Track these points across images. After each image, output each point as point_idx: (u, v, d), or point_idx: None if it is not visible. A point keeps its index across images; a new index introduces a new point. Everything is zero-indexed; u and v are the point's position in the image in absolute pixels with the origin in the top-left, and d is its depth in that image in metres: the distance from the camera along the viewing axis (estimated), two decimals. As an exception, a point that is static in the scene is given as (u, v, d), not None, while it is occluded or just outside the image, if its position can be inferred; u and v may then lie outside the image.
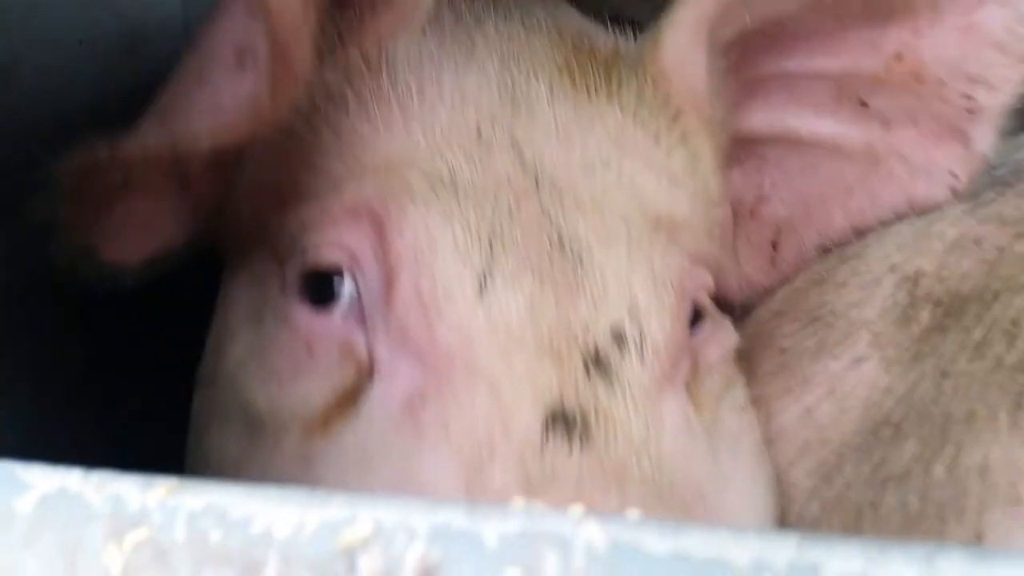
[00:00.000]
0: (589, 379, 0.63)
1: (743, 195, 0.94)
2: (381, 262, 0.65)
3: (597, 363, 0.63)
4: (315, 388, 0.63)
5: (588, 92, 0.77)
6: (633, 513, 0.36)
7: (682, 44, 0.78)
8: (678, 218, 0.77)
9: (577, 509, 0.33)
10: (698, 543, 0.30)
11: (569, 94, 0.76)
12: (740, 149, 0.92)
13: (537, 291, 0.65)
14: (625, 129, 0.76)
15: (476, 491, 0.56)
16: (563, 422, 0.60)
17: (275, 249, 0.70)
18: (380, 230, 0.65)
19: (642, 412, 0.64)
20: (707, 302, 0.77)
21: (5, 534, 0.35)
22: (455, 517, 0.32)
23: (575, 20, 0.88)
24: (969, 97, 0.83)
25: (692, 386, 0.71)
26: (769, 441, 0.79)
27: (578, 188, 0.72)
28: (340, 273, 0.66)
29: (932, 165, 0.87)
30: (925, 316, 0.80)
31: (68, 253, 0.63)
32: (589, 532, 0.31)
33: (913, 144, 0.87)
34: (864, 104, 0.87)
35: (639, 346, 0.66)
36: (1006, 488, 0.60)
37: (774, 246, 0.94)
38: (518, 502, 0.34)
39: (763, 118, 0.90)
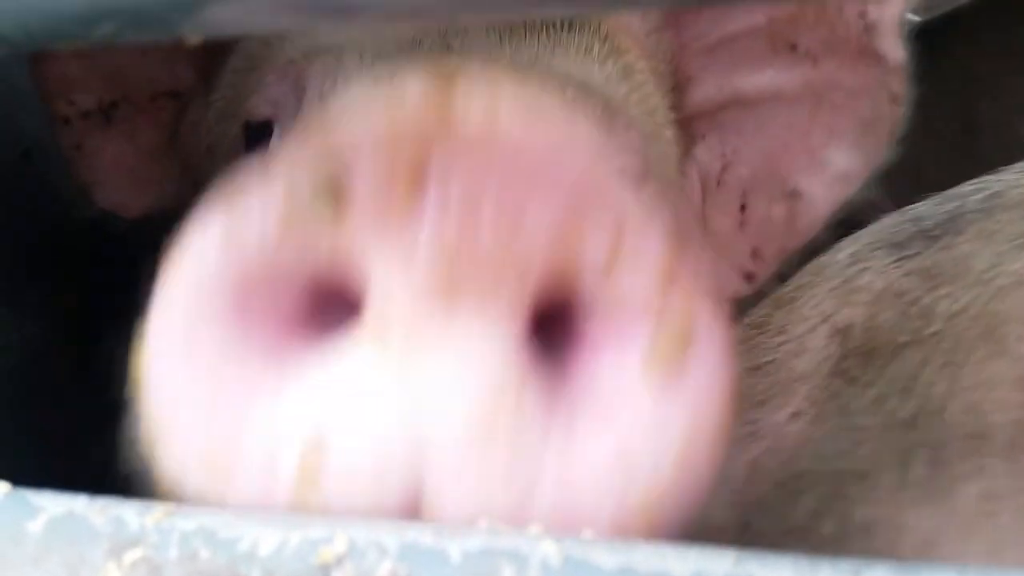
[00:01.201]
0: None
1: (709, 167, 1.00)
2: (299, 96, 0.72)
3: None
4: None
5: (527, 25, 0.85)
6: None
7: None
8: (608, 95, 0.81)
9: (535, 529, 0.35)
10: (644, 558, 0.33)
11: (504, 27, 0.84)
12: (700, 123, 0.98)
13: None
14: (559, 45, 0.83)
15: None
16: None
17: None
18: (300, 80, 0.73)
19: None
20: (644, 178, 0.79)
21: (16, 552, 0.39)
22: (422, 536, 0.35)
23: None
24: (863, 15, 0.88)
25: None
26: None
27: (499, 60, 0.77)
28: (270, 126, 0.74)
29: (864, 85, 0.91)
30: (852, 368, 0.82)
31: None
32: (544, 549, 0.34)
33: (840, 71, 0.92)
34: (793, 47, 0.92)
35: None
36: (886, 547, 0.61)
37: (742, 209, 0.99)
38: (481, 523, 0.37)
39: (713, 85, 0.96)
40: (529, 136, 0.39)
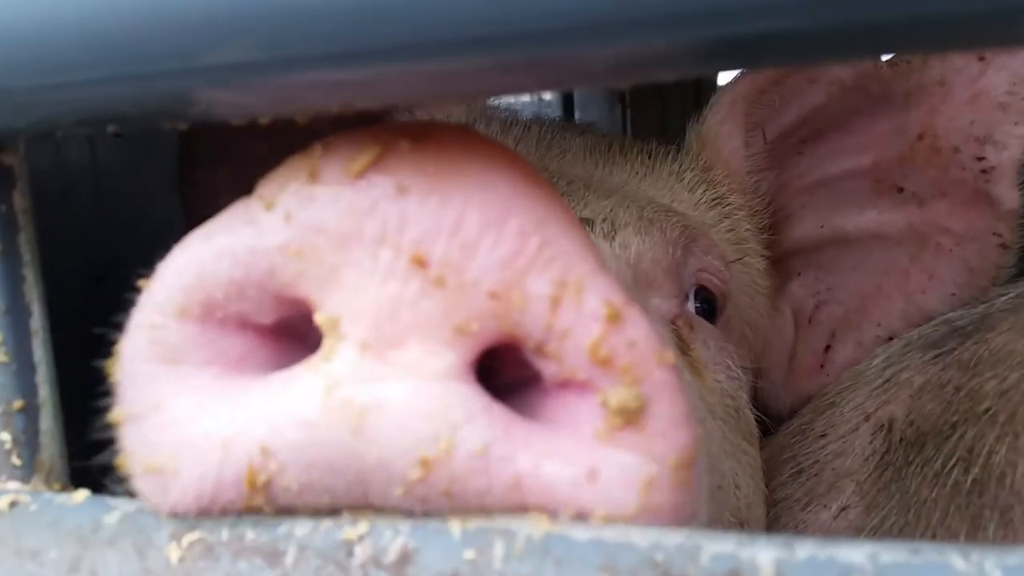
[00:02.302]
0: None
1: (803, 304, 1.00)
2: None
3: None
4: None
5: (624, 153, 0.90)
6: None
7: (720, 117, 0.91)
8: (691, 217, 0.83)
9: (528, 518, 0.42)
10: (612, 533, 0.39)
11: (605, 151, 0.89)
12: (797, 260, 0.99)
13: None
14: (651, 170, 0.88)
15: None
16: None
17: None
18: None
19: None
20: (720, 298, 0.82)
21: (95, 537, 0.46)
22: (430, 521, 0.42)
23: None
24: (981, 159, 0.88)
25: (687, 348, 0.73)
26: None
27: (590, 183, 0.82)
28: None
29: (973, 230, 0.91)
30: (899, 458, 0.85)
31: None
32: (530, 527, 0.40)
33: (949, 215, 0.91)
34: (900, 189, 0.92)
35: (606, 233, 0.72)
36: None
37: (827, 349, 0.98)
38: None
39: (813, 223, 0.98)
40: (483, 188, 0.40)
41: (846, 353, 0.98)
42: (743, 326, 0.92)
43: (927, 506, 0.77)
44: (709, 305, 0.82)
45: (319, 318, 0.42)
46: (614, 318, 0.40)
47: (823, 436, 0.92)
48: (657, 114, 1.95)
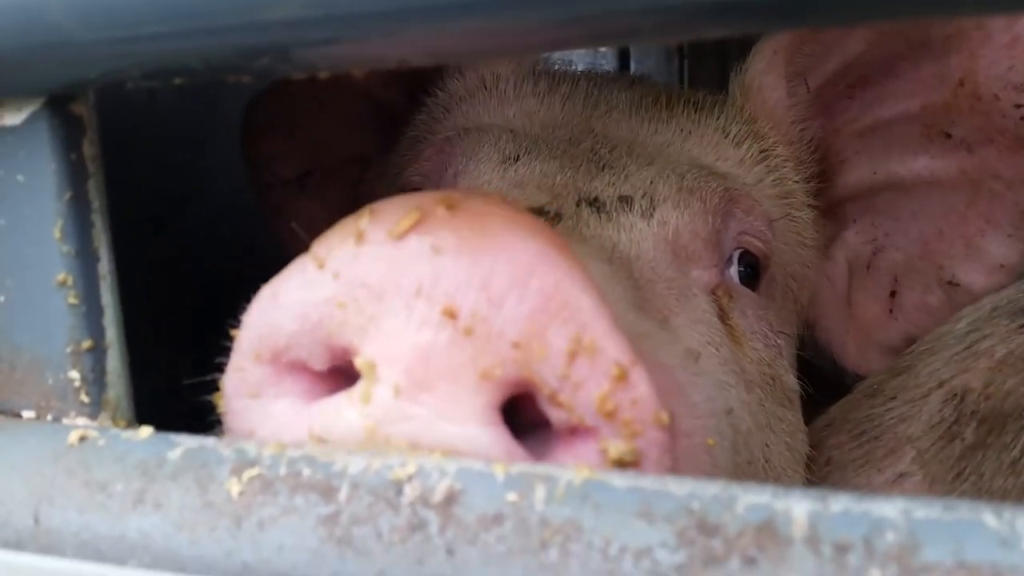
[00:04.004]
0: (577, 208, 0.72)
1: (859, 250, 1.00)
2: (442, 171, 0.81)
3: (593, 204, 0.73)
4: None
5: (671, 108, 0.90)
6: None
7: (761, 68, 0.92)
8: (734, 178, 0.84)
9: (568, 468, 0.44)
10: (650, 481, 0.41)
11: (651, 107, 0.90)
12: (851, 207, 0.99)
13: (555, 168, 0.76)
14: (696, 127, 0.88)
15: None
16: (537, 213, 0.68)
17: None
18: (448, 156, 0.82)
19: (632, 241, 0.71)
20: (762, 259, 0.83)
21: (159, 472, 0.49)
22: (475, 464, 0.44)
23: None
24: (1019, 105, 0.86)
25: (726, 318, 0.76)
26: None
27: (634, 145, 0.83)
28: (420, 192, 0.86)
29: (1022, 175, 0.89)
30: (969, 434, 0.82)
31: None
32: (571, 473, 0.42)
33: (998, 160, 0.90)
34: (948, 135, 0.91)
35: (644, 211, 0.74)
36: None
37: (893, 295, 0.99)
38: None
39: (867, 169, 0.97)
40: (510, 250, 0.45)
41: (913, 298, 0.97)
42: (787, 280, 0.92)
43: (998, 495, 0.75)
44: (751, 268, 0.83)
45: (358, 362, 0.47)
46: (622, 377, 0.45)
47: (892, 399, 0.90)
48: (716, 66, 1.92)
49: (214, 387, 0.54)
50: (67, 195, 0.54)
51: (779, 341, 0.84)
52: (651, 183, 0.78)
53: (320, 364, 0.50)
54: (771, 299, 0.87)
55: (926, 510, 0.37)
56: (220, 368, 0.54)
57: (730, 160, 0.89)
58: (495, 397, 0.46)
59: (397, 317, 0.46)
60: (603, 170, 0.78)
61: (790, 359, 0.89)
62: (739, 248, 0.82)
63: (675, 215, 0.76)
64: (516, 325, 0.45)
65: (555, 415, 0.46)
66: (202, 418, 0.56)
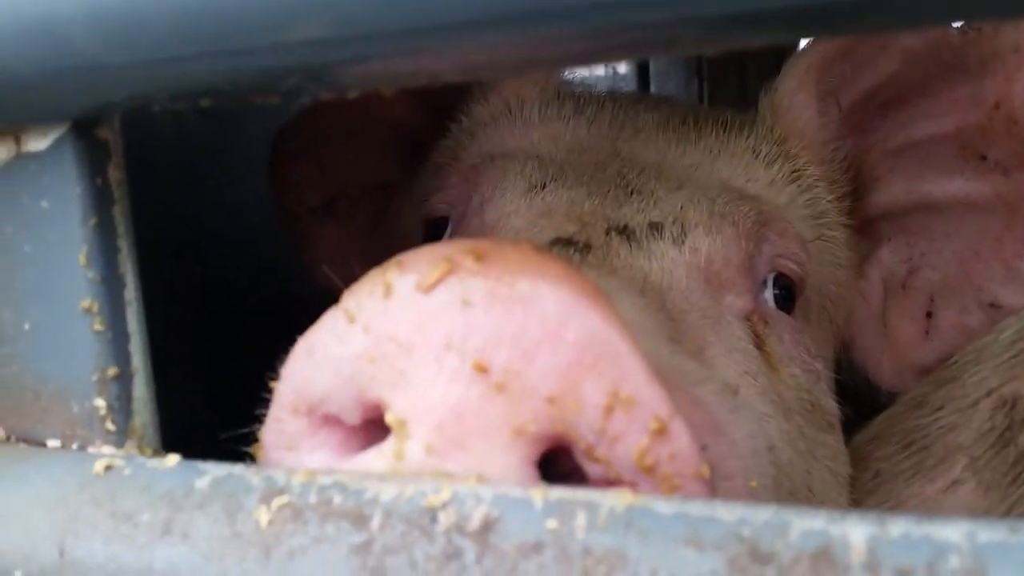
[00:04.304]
0: (607, 237, 0.70)
1: (894, 269, 0.98)
2: (467, 199, 0.80)
3: (623, 232, 0.72)
4: None
5: (699, 128, 0.89)
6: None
7: (792, 87, 0.90)
8: (766, 200, 0.82)
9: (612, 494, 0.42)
10: (697, 507, 0.39)
11: (678, 128, 0.89)
12: (886, 225, 0.98)
13: (582, 195, 0.74)
14: (725, 147, 0.87)
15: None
16: (566, 244, 0.67)
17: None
18: (473, 184, 0.81)
19: (664, 270, 0.69)
20: (798, 282, 0.81)
21: (187, 501, 0.48)
22: (512, 489, 0.42)
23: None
24: None
25: (762, 344, 0.74)
26: None
27: (662, 168, 0.82)
28: (446, 220, 0.83)
29: None
30: (1022, 440, 0.82)
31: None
32: (612, 500, 0.40)
33: None
34: (983, 157, 0.90)
35: (675, 238, 0.73)
36: None
37: (928, 315, 0.96)
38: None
39: (901, 188, 0.96)
40: (542, 300, 0.44)
41: (950, 319, 0.95)
42: (823, 301, 0.90)
43: None
44: (787, 291, 0.82)
45: (388, 418, 0.47)
46: (661, 430, 0.44)
47: (939, 409, 0.88)
48: (735, 86, 1.91)
49: (252, 438, 0.53)
50: (92, 221, 0.53)
51: (817, 365, 0.82)
52: (681, 208, 0.76)
53: (353, 418, 0.49)
54: (807, 322, 0.86)
55: (991, 532, 0.35)
56: (258, 419, 0.53)
57: (761, 181, 0.87)
58: (529, 452, 0.45)
59: (427, 371, 0.45)
60: (631, 196, 0.77)
61: (828, 382, 0.87)
62: (774, 271, 0.81)
63: (707, 241, 0.75)
64: (550, 379, 0.44)
65: (592, 469, 0.45)
66: (226, 445, 0.55)
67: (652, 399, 0.44)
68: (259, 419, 0.53)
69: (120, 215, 0.54)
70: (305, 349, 0.50)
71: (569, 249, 0.68)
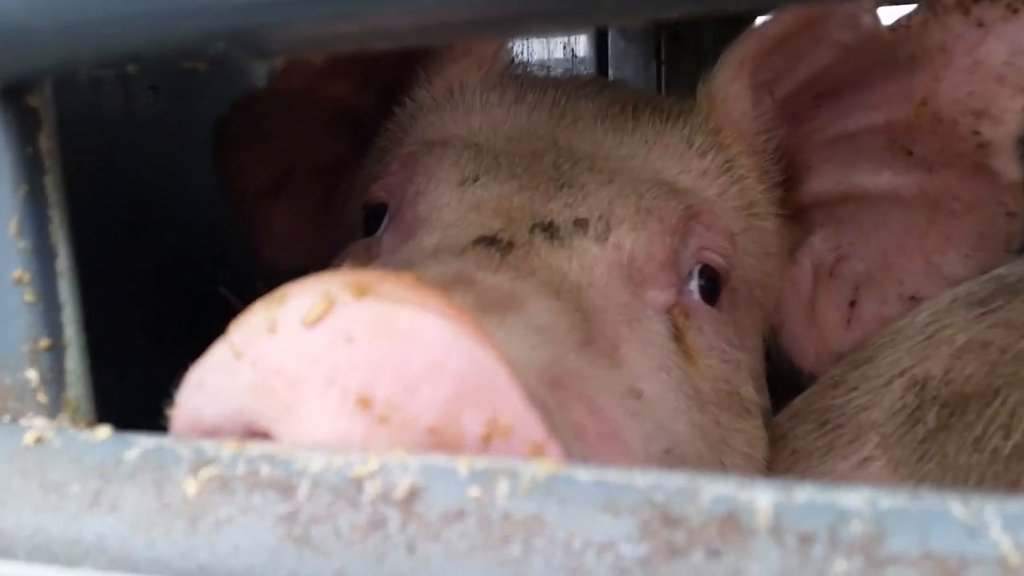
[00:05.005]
0: (531, 234, 0.72)
1: (824, 257, 1.00)
2: (405, 188, 0.81)
3: (547, 229, 0.73)
4: None
5: (636, 117, 0.90)
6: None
7: (727, 77, 0.91)
8: (697, 193, 0.84)
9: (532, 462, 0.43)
10: (615, 474, 0.40)
11: (616, 117, 0.90)
12: (817, 213, 0.99)
13: (512, 190, 0.76)
14: (661, 137, 0.88)
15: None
16: (489, 243, 0.69)
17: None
18: (411, 172, 0.82)
19: (584, 268, 0.71)
20: (723, 273, 0.83)
21: (116, 472, 0.48)
22: (437, 458, 0.43)
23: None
24: (977, 132, 0.87)
25: (681, 337, 0.76)
26: None
27: (596, 159, 0.83)
28: (385, 207, 0.84)
29: (979, 198, 0.90)
30: (931, 417, 0.83)
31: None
32: (535, 467, 0.41)
33: (956, 182, 0.91)
34: (910, 153, 0.92)
35: (600, 235, 0.75)
36: None
37: (852, 304, 0.99)
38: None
39: (833, 178, 0.97)
40: (423, 335, 0.45)
41: (872, 309, 0.98)
42: (752, 289, 0.92)
43: (963, 472, 0.76)
44: (712, 283, 0.83)
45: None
46: (536, 453, 0.45)
47: (854, 389, 0.91)
48: (693, 71, 1.93)
49: None
50: (23, 190, 0.53)
51: (738, 355, 0.84)
52: (609, 204, 0.78)
53: None
54: (733, 311, 0.87)
55: (892, 500, 0.36)
56: None
57: (693, 172, 0.88)
58: None
59: (313, 406, 0.46)
60: (562, 189, 0.78)
61: (750, 370, 0.89)
62: (699, 263, 0.83)
63: (631, 238, 0.77)
64: (431, 411, 0.45)
65: None
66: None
67: (528, 425, 0.46)
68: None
69: (52, 185, 0.53)
70: (196, 382, 0.51)
71: (491, 248, 0.70)
